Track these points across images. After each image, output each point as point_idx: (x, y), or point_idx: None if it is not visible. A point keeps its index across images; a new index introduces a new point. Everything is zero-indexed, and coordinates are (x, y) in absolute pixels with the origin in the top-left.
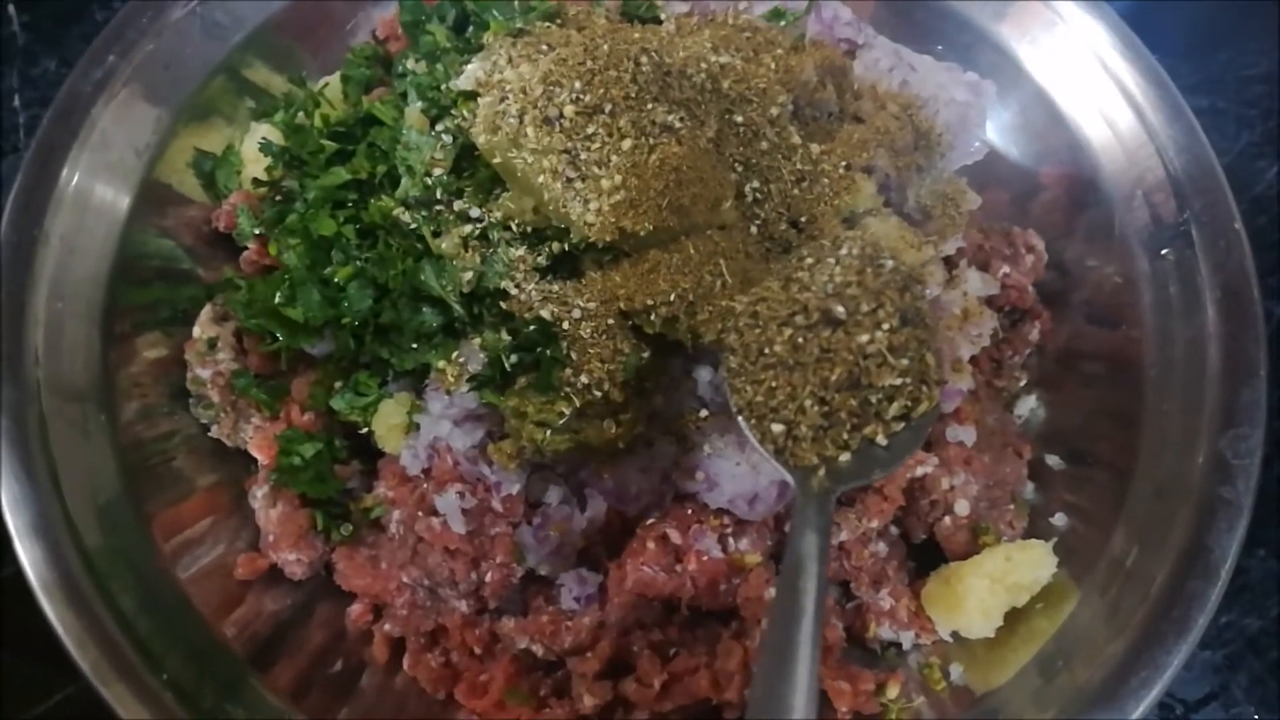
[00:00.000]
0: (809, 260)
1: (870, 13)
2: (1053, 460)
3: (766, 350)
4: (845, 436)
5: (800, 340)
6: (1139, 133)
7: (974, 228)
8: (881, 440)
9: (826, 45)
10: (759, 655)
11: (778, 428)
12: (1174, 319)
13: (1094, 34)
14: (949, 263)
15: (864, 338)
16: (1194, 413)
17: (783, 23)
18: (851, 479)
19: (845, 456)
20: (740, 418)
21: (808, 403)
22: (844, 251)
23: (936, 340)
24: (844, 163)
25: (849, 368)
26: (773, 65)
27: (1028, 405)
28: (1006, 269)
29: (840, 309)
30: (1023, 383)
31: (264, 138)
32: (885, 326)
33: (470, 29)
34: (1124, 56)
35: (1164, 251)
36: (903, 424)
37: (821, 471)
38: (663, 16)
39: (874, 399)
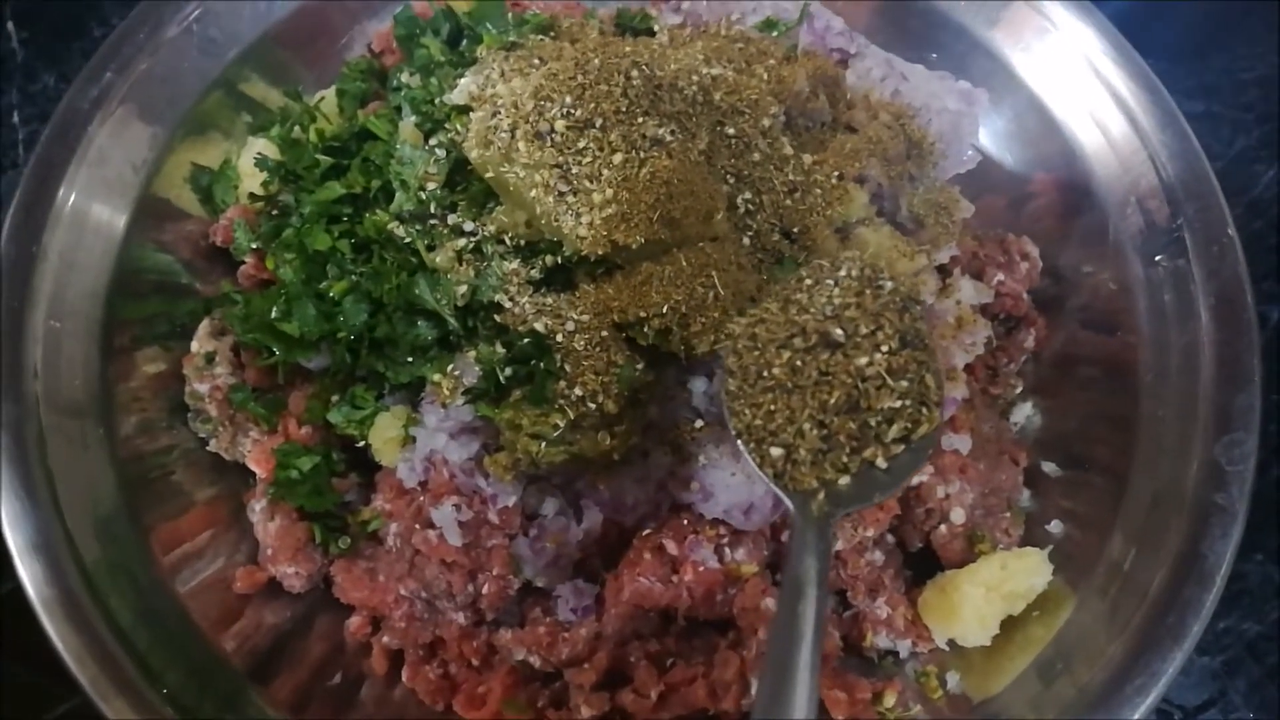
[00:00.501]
0: (808, 281)
1: (863, 22)
2: (1049, 467)
3: (765, 373)
4: (845, 460)
5: (799, 363)
6: (1132, 139)
7: (968, 235)
8: (881, 463)
9: (819, 55)
10: (760, 680)
11: (777, 451)
12: (1169, 325)
13: (1086, 40)
14: (942, 271)
15: (863, 360)
16: (1189, 419)
17: (775, 33)
18: (851, 503)
19: (845, 480)
20: (739, 441)
21: (806, 426)
22: (843, 273)
23: (937, 362)
24: (836, 173)
25: (848, 390)
26: (765, 76)
27: (1023, 412)
28: (1001, 276)
29: (839, 331)
30: (1018, 390)
31: (259, 153)
32: (884, 348)
33: (464, 42)
34: (1116, 62)
35: (1158, 258)
36: (902, 446)
37: (821, 495)
38: (656, 28)
39: (873, 421)
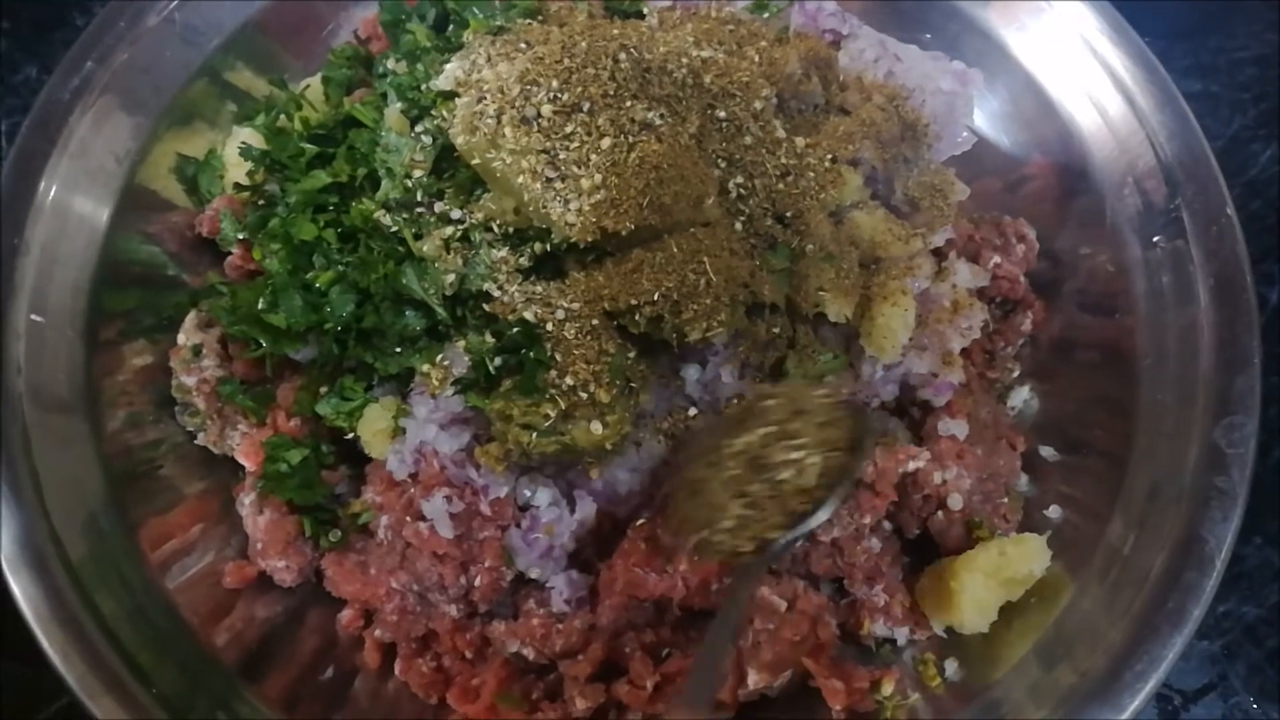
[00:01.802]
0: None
1: (856, 2)
2: (1047, 452)
3: (694, 489)
4: (780, 518)
5: (713, 460)
6: (1129, 119)
7: (964, 218)
8: (810, 507)
9: (811, 36)
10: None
11: (703, 531)
12: (1167, 307)
13: (1083, 19)
14: (938, 254)
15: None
16: (1188, 402)
17: (766, 15)
18: (783, 547)
19: (776, 533)
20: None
21: (724, 499)
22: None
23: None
24: (830, 156)
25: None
26: (756, 58)
27: (1021, 396)
28: (998, 259)
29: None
30: (1016, 374)
31: (244, 142)
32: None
33: (451, 27)
34: (1113, 42)
35: (1156, 239)
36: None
37: (749, 548)
38: (645, 11)
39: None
